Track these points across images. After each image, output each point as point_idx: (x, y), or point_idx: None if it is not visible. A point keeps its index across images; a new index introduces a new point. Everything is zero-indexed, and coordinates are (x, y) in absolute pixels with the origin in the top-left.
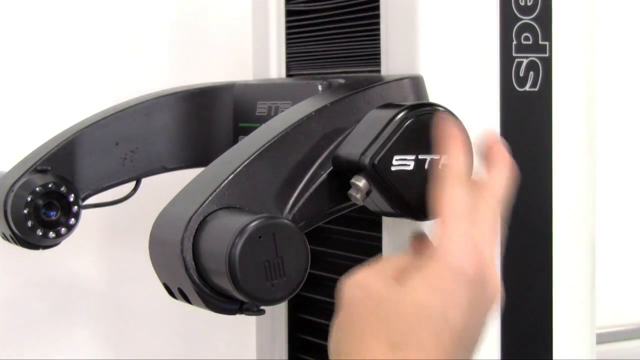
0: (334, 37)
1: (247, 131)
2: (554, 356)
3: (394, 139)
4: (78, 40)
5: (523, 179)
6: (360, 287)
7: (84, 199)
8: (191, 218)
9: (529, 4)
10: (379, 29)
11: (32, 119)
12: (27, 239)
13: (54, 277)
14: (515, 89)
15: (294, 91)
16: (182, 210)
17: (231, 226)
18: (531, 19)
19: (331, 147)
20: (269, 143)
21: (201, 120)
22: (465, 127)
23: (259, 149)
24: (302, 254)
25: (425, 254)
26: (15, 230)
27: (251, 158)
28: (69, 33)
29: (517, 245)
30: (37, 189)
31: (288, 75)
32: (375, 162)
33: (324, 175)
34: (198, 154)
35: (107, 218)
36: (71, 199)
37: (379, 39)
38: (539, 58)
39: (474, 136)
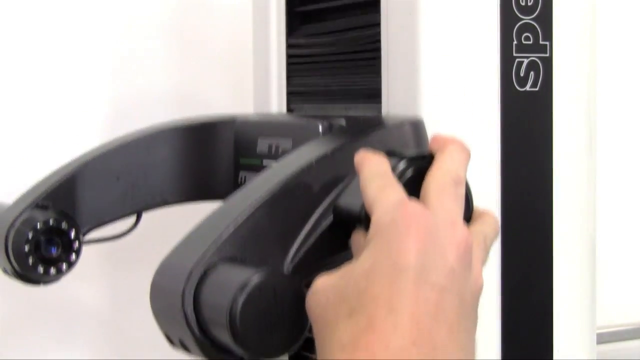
0: (335, 73)
1: (247, 167)
2: (554, 356)
3: None
4: (75, 43)
5: (523, 179)
6: (321, 291)
7: (85, 233)
8: (193, 270)
9: (529, 3)
10: (379, 65)
11: (29, 119)
12: (28, 275)
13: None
14: (515, 89)
15: (294, 130)
16: (183, 261)
17: (233, 280)
18: (532, 19)
19: (331, 196)
20: (270, 194)
21: (202, 154)
22: (467, 127)
23: (259, 200)
24: (303, 308)
25: None
26: (17, 267)
27: (252, 210)
28: (66, 37)
29: (517, 245)
30: (39, 225)
31: (289, 109)
32: None
33: (325, 225)
34: (199, 187)
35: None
36: (72, 235)
37: (379, 75)
38: (539, 58)
39: (474, 137)
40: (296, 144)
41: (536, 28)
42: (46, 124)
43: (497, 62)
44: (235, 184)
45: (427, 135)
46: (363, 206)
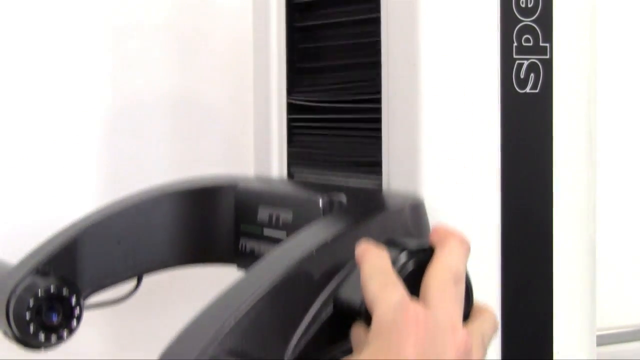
0: (335, 141)
1: (248, 234)
2: (554, 357)
3: None
4: (75, 43)
5: (524, 181)
6: None
7: (86, 298)
8: None
9: (529, 5)
10: (380, 136)
11: (28, 119)
12: (29, 342)
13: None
14: (516, 90)
15: (295, 203)
16: (185, 354)
17: None
18: (532, 21)
19: (332, 285)
20: (271, 286)
21: (203, 219)
22: (467, 129)
23: (261, 292)
24: None
25: None
26: (18, 334)
27: (253, 301)
28: (66, 37)
29: (518, 247)
30: (40, 293)
31: (289, 173)
32: None
33: (325, 316)
34: (200, 252)
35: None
36: (73, 302)
37: (380, 148)
38: (539, 60)
39: (475, 139)
40: (297, 217)
41: (536, 30)
42: (46, 123)
43: (497, 64)
44: (236, 251)
45: (427, 217)
46: (363, 301)
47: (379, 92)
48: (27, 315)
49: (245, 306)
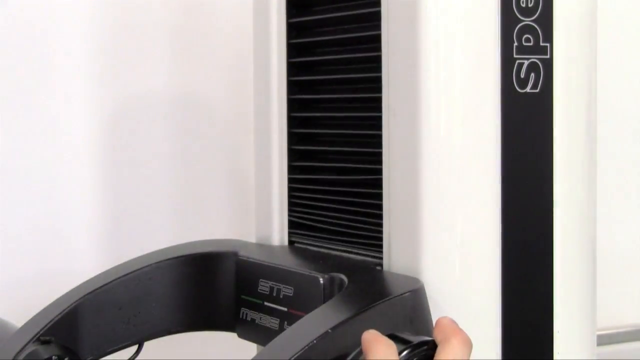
0: (335, 216)
1: (249, 305)
2: (555, 357)
3: None
4: (76, 43)
5: (524, 180)
6: None
7: None
8: None
9: (530, 5)
10: (381, 221)
11: (29, 119)
12: None
13: None
14: (516, 90)
15: (296, 278)
16: None
17: None
18: (532, 21)
19: None
20: None
21: (203, 286)
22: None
23: None
24: None
25: None
26: None
27: None
28: (67, 37)
29: (518, 246)
30: None
31: (290, 242)
32: None
33: None
34: (201, 318)
35: None
36: None
37: (381, 231)
38: (540, 60)
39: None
40: (297, 292)
41: (537, 29)
42: (46, 124)
43: (497, 64)
44: (237, 319)
45: (427, 302)
46: None
47: (379, 90)
48: None
49: None
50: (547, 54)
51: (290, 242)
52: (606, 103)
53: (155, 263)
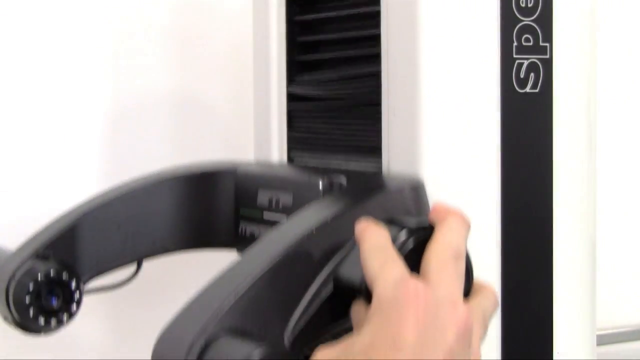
0: (335, 126)
1: (248, 218)
2: (554, 357)
3: None
4: (76, 43)
5: (523, 180)
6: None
7: (85, 282)
8: (193, 343)
9: (529, 5)
10: (380, 121)
11: (29, 119)
12: (29, 326)
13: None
14: (515, 90)
15: (295, 185)
16: (184, 333)
17: (233, 356)
18: (532, 20)
19: (332, 264)
20: (271, 264)
21: (202, 204)
22: (466, 128)
23: (260, 271)
24: None
25: None
26: (17, 318)
27: (253, 280)
28: (66, 37)
29: (518, 246)
30: (40, 277)
31: (289, 158)
32: None
33: (325, 294)
34: (200, 236)
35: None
36: (73, 286)
37: (380, 142)
38: (539, 59)
39: (474, 139)
40: (296, 200)
41: (536, 29)
42: (47, 123)
43: (497, 64)
44: (236, 235)
45: (427, 198)
46: (363, 279)
47: (379, 86)
48: (27, 300)
49: (244, 285)
50: (546, 54)
51: (290, 160)
52: (606, 103)
53: (154, 182)
